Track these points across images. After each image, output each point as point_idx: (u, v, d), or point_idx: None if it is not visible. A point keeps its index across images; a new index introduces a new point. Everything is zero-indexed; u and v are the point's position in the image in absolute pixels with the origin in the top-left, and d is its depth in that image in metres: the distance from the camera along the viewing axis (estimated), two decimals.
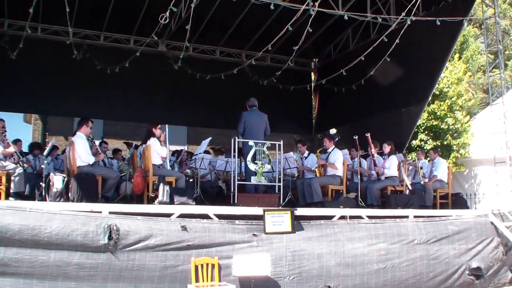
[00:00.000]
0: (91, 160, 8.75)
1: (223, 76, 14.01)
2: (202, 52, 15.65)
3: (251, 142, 9.24)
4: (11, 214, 6.66)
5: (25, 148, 11.66)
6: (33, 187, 8.97)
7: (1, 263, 6.48)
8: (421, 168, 11.76)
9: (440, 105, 16.75)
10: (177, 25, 12.87)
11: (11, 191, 8.25)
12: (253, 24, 14.36)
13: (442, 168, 11.52)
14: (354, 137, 11.02)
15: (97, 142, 9.77)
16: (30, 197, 8.57)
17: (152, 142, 9.29)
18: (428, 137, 16.63)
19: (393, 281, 8.76)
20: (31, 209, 6.84)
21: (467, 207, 11.95)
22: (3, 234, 6.48)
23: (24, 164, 9.11)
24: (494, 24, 12.80)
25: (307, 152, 11.52)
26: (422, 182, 11.47)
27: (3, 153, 8.35)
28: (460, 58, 21.59)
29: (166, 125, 9.93)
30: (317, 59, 17.50)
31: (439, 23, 11.20)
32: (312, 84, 17.50)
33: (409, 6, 11.05)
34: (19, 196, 8.21)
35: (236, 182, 9.12)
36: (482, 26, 17.85)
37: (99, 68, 13.40)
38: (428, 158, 12.31)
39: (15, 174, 8.25)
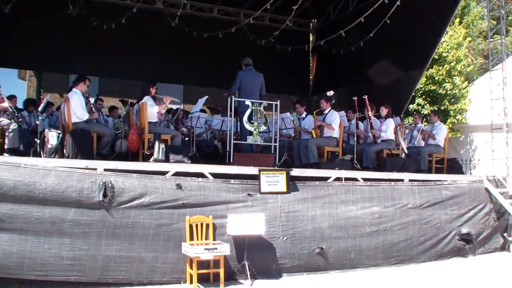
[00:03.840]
0: (86, 116, 8.69)
1: (220, 34, 13.81)
2: (199, 10, 15.37)
3: (247, 102, 9.19)
4: (5, 169, 6.65)
5: (20, 105, 11.57)
6: (27, 143, 8.95)
7: None
8: (422, 130, 11.68)
9: (439, 70, 16.60)
10: None
11: (6, 147, 8.21)
12: None
13: (443, 134, 11.48)
14: (353, 98, 10.97)
15: (92, 100, 9.69)
16: (25, 153, 8.55)
17: (145, 99, 9.21)
18: (426, 102, 16.53)
19: (384, 244, 8.86)
20: (26, 165, 6.83)
21: (462, 173, 11.99)
22: None
23: (19, 120, 9.04)
24: None
25: (305, 113, 11.48)
26: (415, 143, 11.50)
27: None
28: (460, 22, 21.28)
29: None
30: (316, 20, 17.23)
31: None
32: (310, 45, 17.31)
33: None
34: (14, 152, 8.16)
35: (232, 142, 9.11)
36: None
37: (95, 24, 13.14)
38: (427, 122, 12.24)
39: (10, 130, 8.19)
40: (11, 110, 8.85)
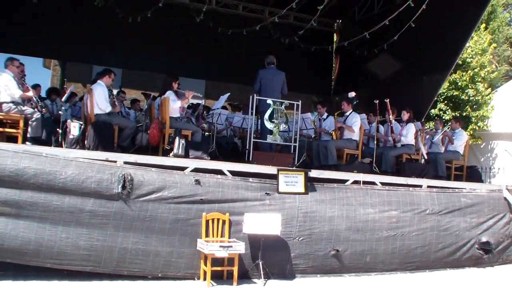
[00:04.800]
0: (108, 108, 8.79)
1: (245, 32, 13.83)
2: (225, 6, 15.36)
3: (269, 101, 9.18)
4: (27, 158, 6.72)
5: (43, 94, 11.71)
6: (50, 132, 9.02)
7: (16, 206, 6.58)
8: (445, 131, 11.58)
9: (462, 75, 16.46)
10: None
11: (28, 135, 8.29)
12: None
13: (462, 140, 11.38)
14: (374, 101, 10.90)
15: (114, 92, 9.77)
16: (47, 142, 8.63)
17: (168, 94, 9.25)
18: (448, 107, 16.42)
19: (401, 249, 8.79)
20: (47, 155, 6.90)
21: (481, 181, 11.85)
22: (19, 177, 6.57)
23: (42, 109, 9.13)
24: None
25: (326, 114, 11.44)
26: (434, 140, 11.39)
27: (22, 96, 8.34)
28: (486, 28, 21.07)
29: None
30: (340, 21, 17.15)
31: None
32: (334, 46, 17.24)
33: None
34: (36, 141, 8.25)
35: (252, 140, 9.11)
36: None
37: (121, 17, 13.26)
38: (448, 127, 12.14)
39: (33, 119, 8.27)
40: (35, 100, 8.94)
